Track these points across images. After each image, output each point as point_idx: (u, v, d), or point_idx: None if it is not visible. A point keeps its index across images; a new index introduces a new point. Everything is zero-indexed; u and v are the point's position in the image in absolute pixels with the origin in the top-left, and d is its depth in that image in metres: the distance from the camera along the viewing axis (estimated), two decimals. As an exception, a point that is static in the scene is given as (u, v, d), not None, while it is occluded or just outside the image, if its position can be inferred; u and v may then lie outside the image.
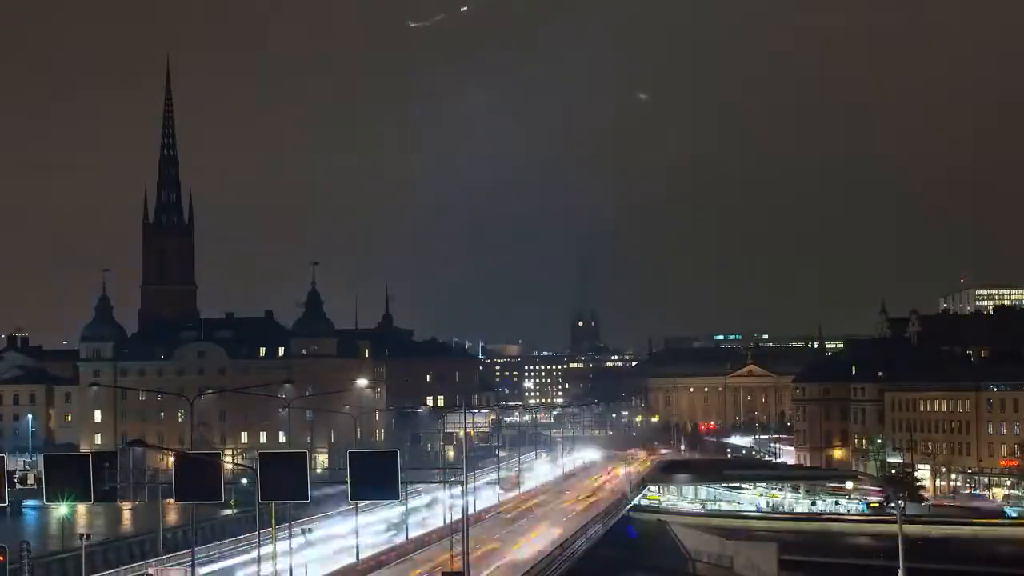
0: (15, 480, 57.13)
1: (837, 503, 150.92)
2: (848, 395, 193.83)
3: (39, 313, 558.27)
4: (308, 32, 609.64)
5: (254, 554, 67.52)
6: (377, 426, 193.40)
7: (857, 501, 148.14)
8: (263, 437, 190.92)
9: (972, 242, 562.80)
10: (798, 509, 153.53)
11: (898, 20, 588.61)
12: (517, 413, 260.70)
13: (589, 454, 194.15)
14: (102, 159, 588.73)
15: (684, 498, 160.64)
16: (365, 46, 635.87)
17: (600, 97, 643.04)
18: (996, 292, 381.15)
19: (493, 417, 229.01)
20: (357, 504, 76.81)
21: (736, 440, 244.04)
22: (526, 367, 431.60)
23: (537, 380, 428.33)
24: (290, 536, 68.14)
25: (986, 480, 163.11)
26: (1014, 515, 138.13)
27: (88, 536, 69.12)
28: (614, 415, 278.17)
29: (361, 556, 78.89)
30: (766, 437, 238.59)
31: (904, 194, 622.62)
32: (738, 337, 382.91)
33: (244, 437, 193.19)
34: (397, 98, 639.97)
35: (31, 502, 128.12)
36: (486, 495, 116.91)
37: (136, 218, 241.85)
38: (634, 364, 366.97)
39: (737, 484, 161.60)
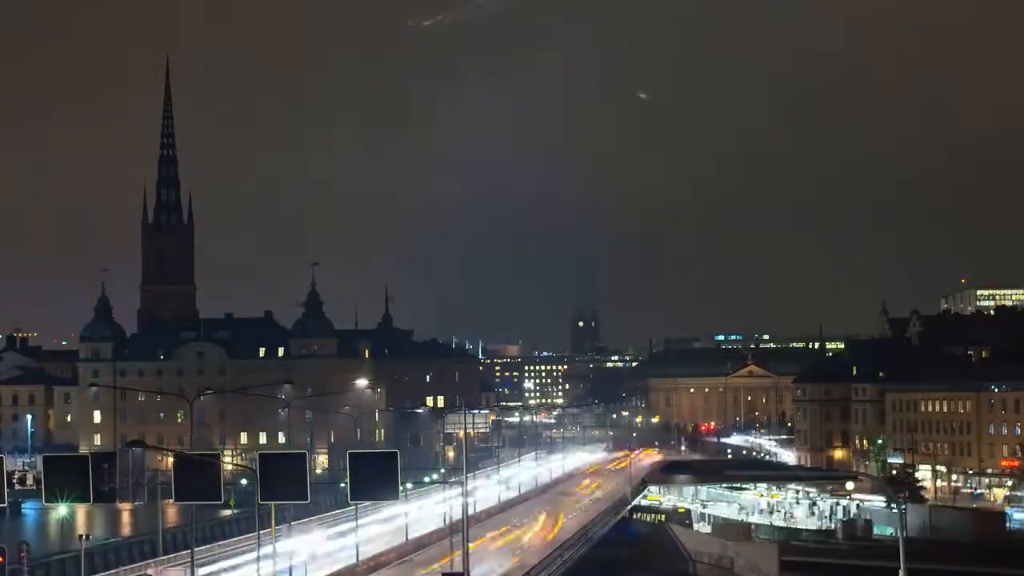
0: (14, 481, 57.06)
1: (837, 504, 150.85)
2: (849, 395, 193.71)
3: (39, 313, 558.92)
4: (308, 32, 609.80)
5: (254, 555, 67.27)
6: (377, 427, 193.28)
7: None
8: (263, 437, 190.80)
9: (972, 242, 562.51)
10: (799, 510, 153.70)
11: (897, 21, 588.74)
12: (517, 413, 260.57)
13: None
14: (102, 159, 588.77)
15: (684, 498, 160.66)
16: (365, 46, 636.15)
17: (600, 97, 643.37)
18: (997, 292, 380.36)
19: (493, 418, 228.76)
20: (357, 505, 76.57)
21: (736, 440, 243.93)
22: (526, 367, 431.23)
23: (537, 380, 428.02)
24: (289, 534, 67.99)
25: (987, 481, 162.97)
26: (1015, 515, 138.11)
27: (88, 536, 68.93)
28: (614, 415, 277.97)
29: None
30: (767, 438, 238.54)
31: (904, 194, 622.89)
32: (738, 337, 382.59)
33: (244, 437, 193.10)
34: (397, 98, 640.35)
35: (30, 503, 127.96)
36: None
37: (136, 218, 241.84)
38: (634, 364, 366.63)
39: (737, 485, 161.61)
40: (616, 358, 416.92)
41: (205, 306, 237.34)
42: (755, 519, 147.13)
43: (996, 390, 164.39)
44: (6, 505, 60.89)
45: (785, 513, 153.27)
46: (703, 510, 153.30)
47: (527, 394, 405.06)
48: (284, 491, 52.40)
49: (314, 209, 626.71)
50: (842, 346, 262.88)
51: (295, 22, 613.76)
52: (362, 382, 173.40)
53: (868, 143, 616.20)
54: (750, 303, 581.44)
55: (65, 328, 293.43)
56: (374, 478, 52.66)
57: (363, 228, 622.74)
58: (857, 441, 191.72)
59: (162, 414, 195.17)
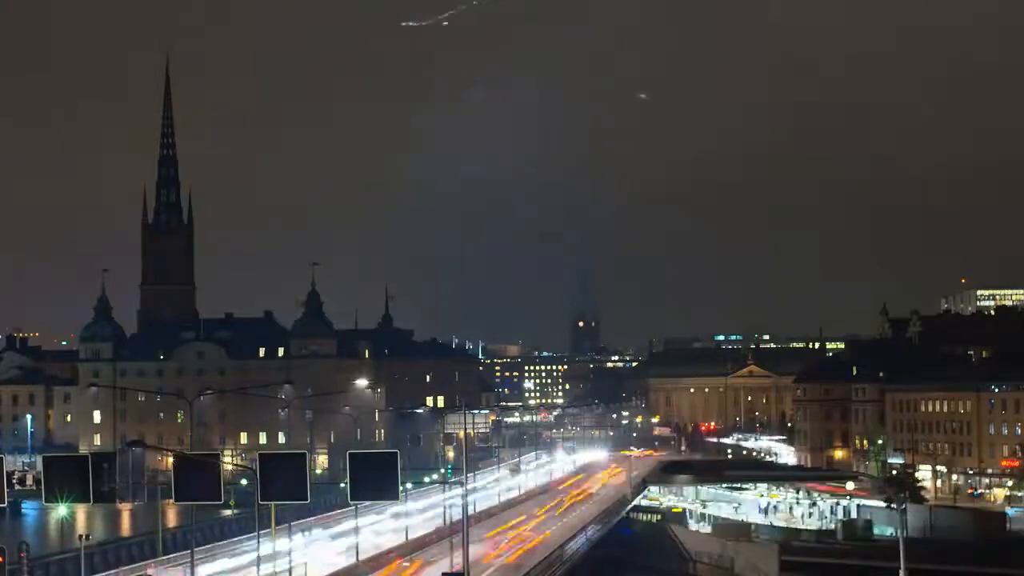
0: (14, 481, 56.95)
1: (838, 504, 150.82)
2: (849, 395, 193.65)
3: (39, 313, 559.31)
4: (308, 32, 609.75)
5: (253, 556, 67.21)
6: (377, 427, 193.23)
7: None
8: (263, 437, 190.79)
9: (973, 242, 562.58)
10: (799, 510, 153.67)
11: (897, 20, 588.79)
12: (517, 414, 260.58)
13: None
14: (102, 159, 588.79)
15: (684, 498, 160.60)
16: (365, 46, 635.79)
17: (600, 97, 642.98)
18: (997, 292, 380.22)
19: (493, 418, 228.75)
20: (357, 505, 76.46)
21: (736, 440, 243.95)
22: (526, 367, 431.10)
23: (537, 380, 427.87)
24: (290, 536, 67.96)
25: (987, 481, 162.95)
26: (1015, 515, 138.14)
27: (88, 536, 68.83)
28: (614, 416, 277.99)
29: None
30: (767, 437, 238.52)
31: (904, 194, 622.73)
32: (738, 337, 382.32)
33: (244, 437, 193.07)
34: (396, 98, 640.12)
35: (30, 503, 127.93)
36: None
37: (136, 218, 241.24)
38: (634, 364, 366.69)
39: (737, 485, 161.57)
40: (616, 358, 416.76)
41: (205, 306, 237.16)
42: (755, 519, 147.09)
43: (996, 390, 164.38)
44: (6, 505, 60.77)
45: (785, 513, 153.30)
46: (703, 510, 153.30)
47: (527, 394, 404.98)
48: (284, 491, 52.32)
49: (314, 209, 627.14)
50: (842, 346, 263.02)
51: (295, 22, 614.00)
52: (362, 382, 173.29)
53: (868, 143, 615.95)
54: (750, 303, 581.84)
55: (65, 328, 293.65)
56: (374, 478, 52.56)
57: (363, 228, 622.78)
58: (857, 441, 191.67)
59: (162, 414, 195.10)
